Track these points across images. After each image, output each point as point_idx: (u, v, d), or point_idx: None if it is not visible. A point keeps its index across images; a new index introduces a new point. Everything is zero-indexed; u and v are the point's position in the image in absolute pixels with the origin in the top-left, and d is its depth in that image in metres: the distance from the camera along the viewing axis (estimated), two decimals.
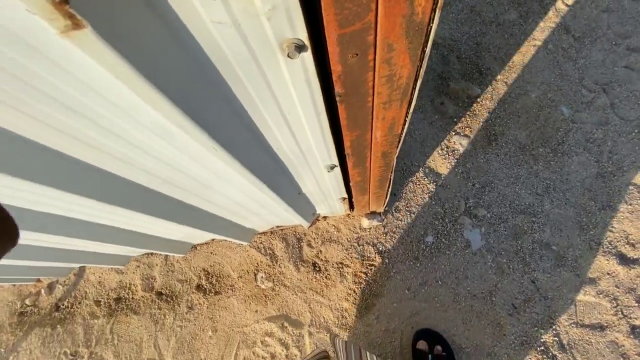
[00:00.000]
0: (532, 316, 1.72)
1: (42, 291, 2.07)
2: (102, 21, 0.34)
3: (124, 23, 0.38)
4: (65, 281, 2.08)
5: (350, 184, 1.22)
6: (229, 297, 1.94)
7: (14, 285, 2.10)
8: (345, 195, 1.38)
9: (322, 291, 1.87)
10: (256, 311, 1.90)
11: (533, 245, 1.84)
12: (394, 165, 1.07)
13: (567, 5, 2.23)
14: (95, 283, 2.06)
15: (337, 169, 1.02)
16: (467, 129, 2.07)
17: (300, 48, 0.46)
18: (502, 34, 2.22)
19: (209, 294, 1.96)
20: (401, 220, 1.92)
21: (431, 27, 0.49)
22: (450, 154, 2.03)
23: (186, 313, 1.94)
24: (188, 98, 0.54)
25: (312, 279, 1.89)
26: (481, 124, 2.07)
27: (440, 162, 2.01)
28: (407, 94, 0.65)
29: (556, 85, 2.08)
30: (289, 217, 1.53)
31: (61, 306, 2.03)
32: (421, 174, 1.99)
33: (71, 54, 0.41)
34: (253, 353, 1.83)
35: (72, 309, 2.02)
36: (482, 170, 1.98)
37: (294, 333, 1.83)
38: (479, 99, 2.12)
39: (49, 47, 0.41)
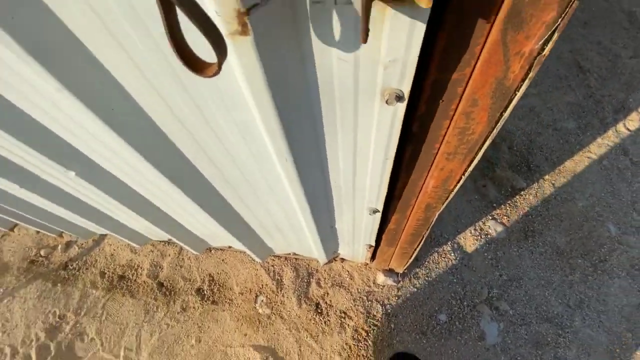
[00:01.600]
0: None
1: (59, 247, 2.15)
2: (262, 37, 0.44)
3: (276, 45, 0.47)
4: (83, 244, 2.16)
5: (384, 231, 1.23)
6: (223, 310, 1.90)
7: (37, 232, 2.20)
8: (374, 243, 1.38)
9: (317, 336, 1.78)
10: (245, 335, 1.82)
11: None
12: (432, 224, 1.08)
13: (628, 129, 2.26)
14: (107, 254, 2.11)
15: (378, 215, 1.04)
16: (505, 217, 2.04)
17: (399, 98, 0.54)
18: (558, 139, 2.26)
19: (206, 301, 1.93)
20: (417, 288, 1.84)
21: (516, 94, 0.55)
22: (482, 236, 1.98)
23: (178, 313, 1.91)
24: (289, 112, 0.62)
25: (310, 320, 1.82)
26: (520, 217, 2.03)
27: (471, 242, 1.96)
28: (473, 151, 0.69)
29: (606, 201, 2.04)
30: (311, 247, 1.54)
31: (69, 266, 2.08)
32: (449, 248, 1.94)
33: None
34: None
35: (77, 272, 2.06)
36: (513, 263, 1.90)
37: None
38: (522, 192, 2.11)
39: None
